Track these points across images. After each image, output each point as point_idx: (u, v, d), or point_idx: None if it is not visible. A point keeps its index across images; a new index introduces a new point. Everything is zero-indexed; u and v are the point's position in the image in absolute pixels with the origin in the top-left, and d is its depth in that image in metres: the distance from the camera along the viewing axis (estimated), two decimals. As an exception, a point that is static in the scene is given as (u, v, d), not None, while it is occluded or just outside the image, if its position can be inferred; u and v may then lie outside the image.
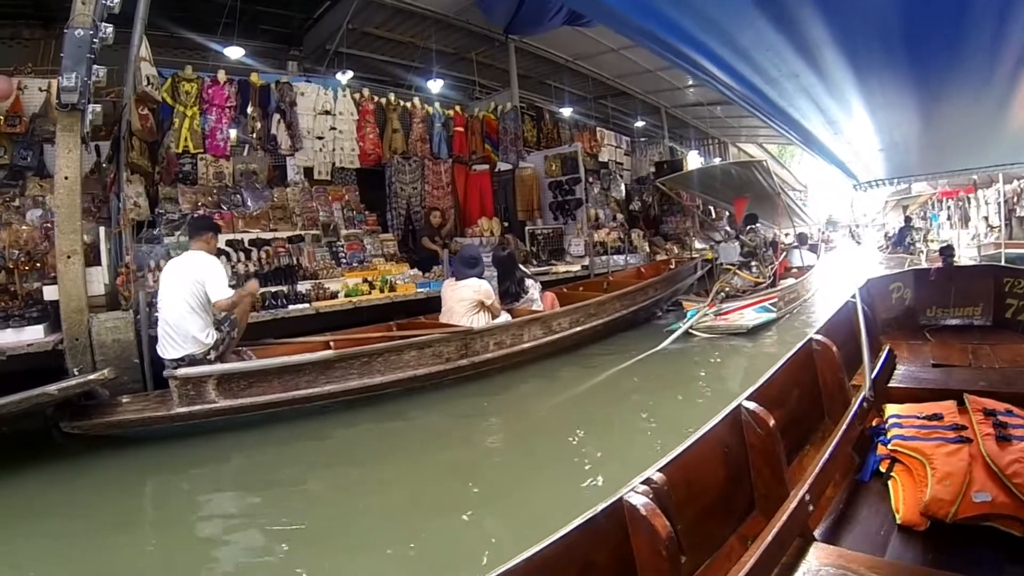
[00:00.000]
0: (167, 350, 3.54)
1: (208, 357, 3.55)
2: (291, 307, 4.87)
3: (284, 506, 2.68)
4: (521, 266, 6.06)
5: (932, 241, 13.06)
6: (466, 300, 4.58)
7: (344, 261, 6.02)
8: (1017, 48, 0.87)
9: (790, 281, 7.91)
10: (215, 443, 3.32)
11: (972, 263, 6.46)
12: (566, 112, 11.23)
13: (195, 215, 5.30)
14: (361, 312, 5.21)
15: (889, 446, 1.87)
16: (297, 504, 2.71)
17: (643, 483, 1.24)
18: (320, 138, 7.18)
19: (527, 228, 8.34)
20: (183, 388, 3.32)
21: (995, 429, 1.75)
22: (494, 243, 7.43)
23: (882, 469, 1.88)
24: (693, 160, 15.47)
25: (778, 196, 8.54)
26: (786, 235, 10.51)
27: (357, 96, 7.63)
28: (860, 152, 1.80)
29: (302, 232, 6.11)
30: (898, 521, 1.67)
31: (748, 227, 7.95)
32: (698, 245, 11.05)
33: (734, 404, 1.64)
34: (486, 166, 8.73)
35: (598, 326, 5.61)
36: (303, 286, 5.21)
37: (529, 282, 5.23)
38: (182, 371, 3.35)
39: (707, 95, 11.98)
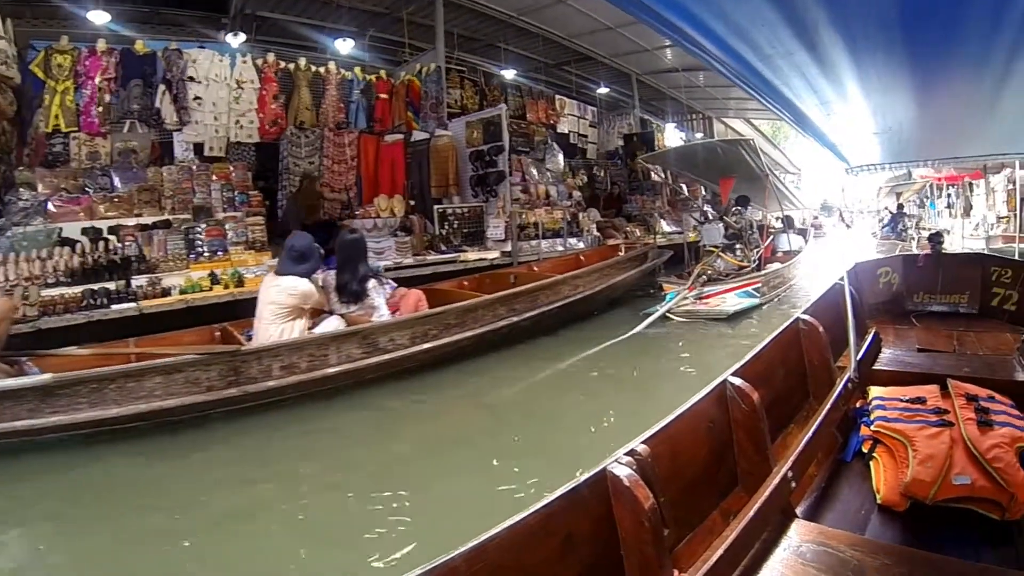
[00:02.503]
0: None
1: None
2: (114, 307, 4.86)
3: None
4: (377, 260, 6.06)
5: (924, 228, 14.45)
6: (275, 303, 4.28)
7: (199, 251, 6.03)
8: (1012, 34, 1.06)
9: (776, 266, 8.66)
10: None
11: (960, 251, 7.32)
12: (508, 74, 11.54)
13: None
14: (197, 312, 5.23)
15: (872, 427, 2.23)
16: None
17: (627, 454, 1.46)
18: (214, 110, 7.33)
19: (436, 207, 8.26)
20: None
21: (977, 414, 2.12)
22: (393, 225, 7.56)
23: (864, 450, 2.25)
24: (671, 135, 16.23)
25: (766, 178, 9.20)
26: (776, 218, 11.37)
27: (260, 62, 7.79)
28: (853, 135, 2.07)
29: (170, 217, 6.17)
30: (879, 501, 2.02)
31: (734, 208, 8.62)
32: (666, 227, 11.71)
33: (720, 379, 1.92)
34: (400, 136, 8.80)
35: (462, 342, 5.11)
36: (139, 281, 5.24)
37: (372, 282, 4.80)
38: None
39: (685, 60, 12.47)
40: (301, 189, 7.60)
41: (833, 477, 2.21)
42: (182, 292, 5.33)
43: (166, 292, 5.27)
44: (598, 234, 10.04)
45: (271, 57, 8.00)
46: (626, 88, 14.42)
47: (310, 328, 4.48)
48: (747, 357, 2.14)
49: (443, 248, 7.70)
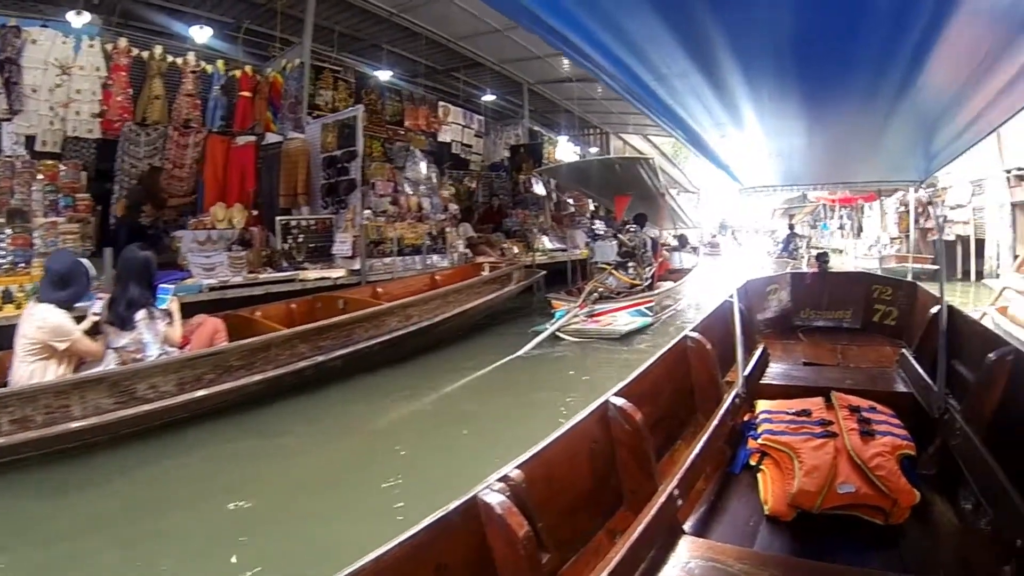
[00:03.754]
0: None
1: None
2: None
3: None
4: (204, 278, 5.92)
5: (815, 248, 16.37)
6: (26, 337, 3.89)
7: (-2, 262, 5.48)
8: (899, 75, 1.22)
9: (668, 284, 9.41)
10: None
11: (845, 270, 8.27)
12: (383, 75, 11.58)
13: None
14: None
15: (759, 440, 2.46)
16: None
17: (499, 480, 1.51)
18: (51, 99, 6.90)
19: (279, 219, 7.92)
20: None
21: (859, 424, 2.40)
22: (230, 238, 7.29)
23: (752, 462, 2.48)
24: (564, 148, 16.93)
25: (662, 197, 9.88)
26: (674, 236, 12.24)
27: (109, 47, 7.37)
28: (747, 157, 2.28)
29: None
30: (766, 512, 2.22)
31: (630, 226, 9.19)
32: (548, 244, 12.22)
33: (601, 400, 2.04)
34: (252, 138, 8.56)
35: (249, 387, 4.68)
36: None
37: (142, 313, 4.28)
38: None
39: (580, 71, 12.83)
40: (141, 183, 7.16)
41: (722, 490, 2.41)
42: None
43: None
44: (467, 251, 10.12)
45: (123, 43, 7.56)
46: (518, 98, 14.88)
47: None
48: (631, 377, 2.29)
49: (284, 265, 7.43)
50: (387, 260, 8.41)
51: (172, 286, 4.84)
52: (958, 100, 1.42)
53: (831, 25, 0.99)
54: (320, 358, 5.20)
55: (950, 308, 3.18)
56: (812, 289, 4.87)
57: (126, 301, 4.26)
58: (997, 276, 10.75)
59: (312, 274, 7.37)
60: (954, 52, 1.09)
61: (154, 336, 4.36)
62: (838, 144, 2.03)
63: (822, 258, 6.03)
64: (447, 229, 9.92)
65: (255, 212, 8.11)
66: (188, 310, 5.11)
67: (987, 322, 4.35)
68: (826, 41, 1.06)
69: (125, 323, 4.24)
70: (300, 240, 7.83)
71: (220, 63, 8.61)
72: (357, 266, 7.74)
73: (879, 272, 11.21)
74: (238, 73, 8.74)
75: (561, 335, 7.24)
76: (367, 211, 8.98)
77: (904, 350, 3.49)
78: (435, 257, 9.30)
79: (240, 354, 4.66)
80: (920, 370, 3.00)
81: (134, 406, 4.03)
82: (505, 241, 11.75)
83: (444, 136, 12.98)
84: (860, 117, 1.62)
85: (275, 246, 7.65)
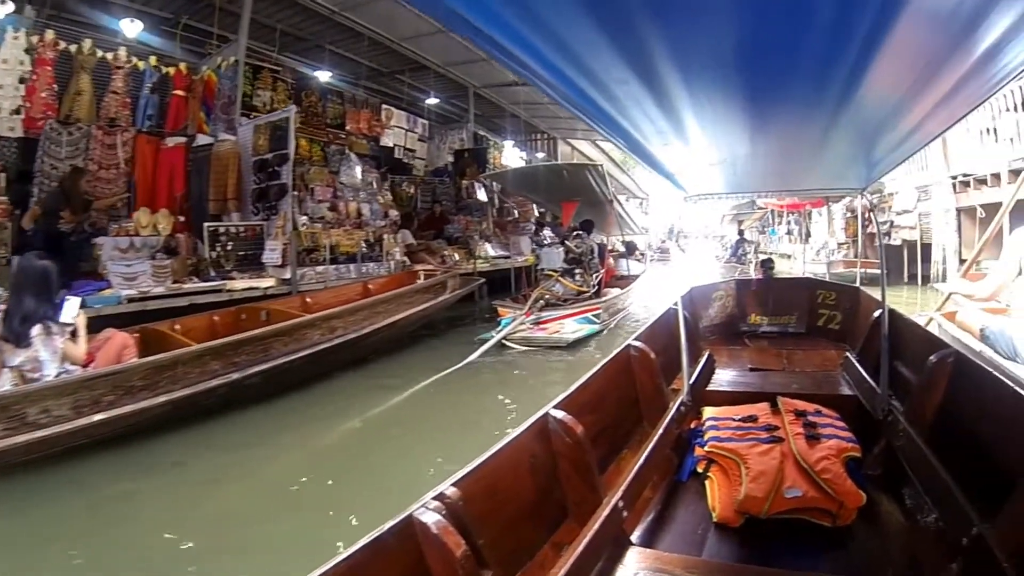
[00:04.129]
0: None
1: None
2: None
3: None
4: (124, 288, 5.70)
5: (763, 253, 17.13)
6: None
7: None
8: (842, 82, 1.24)
9: (615, 291, 9.61)
10: None
11: (790, 276, 8.62)
12: (323, 76, 11.40)
13: None
14: None
15: (706, 448, 2.48)
16: None
17: (435, 498, 1.49)
18: None
19: (206, 225, 7.66)
20: None
21: (805, 429, 2.46)
22: (155, 245, 7.05)
23: (700, 470, 2.51)
24: (510, 154, 17.00)
25: (611, 204, 10.03)
26: (622, 242, 12.49)
27: (35, 39, 7.05)
28: (691, 165, 2.31)
29: None
30: (714, 519, 2.25)
31: (576, 233, 9.32)
32: (491, 251, 12.28)
33: (541, 412, 2.04)
34: (182, 139, 8.26)
35: (154, 409, 4.33)
36: None
37: (38, 328, 4.00)
38: None
39: None
40: (61, 186, 6.73)
41: (669, 499, 2.44)
42: None
43: None
44: (405, 259, 10.02)
45: (49, 35, 7.22)
46: (463, 102, 14.89)
47: None
48: (571, 388, 2.29)
49: (212, 274, 7.20)
50: (320, 269, 8.27)
51: (79, 298, 4.51)
52: (898, 111, 1.46)
53: (773, 36, 1.00)
54: (235, 375, 4.88)
55: (892, 312, 3.31)
56: (757, 295, 5.01)
57: (21, 315, 3.97)
58: (944, 280, 11.04)
59: (240, 284, 7.15)
60: (894, 65, 1.11)
61: (52, 353, 4.05)
62: (782, 153, 2.07)
63: (767, 264, 6.26)
64: (385, 236, 9.81)
65: (182, 218, 7.84)
66: (104, 323, 4.90)
67: (933, 327, 4.45)
68: (768, 52, 1.07)
69: (20, 339, 3.96)
70: (229, 248, 7.59)
71: (153, 59, 8.33)
72: (288, 275, 7.57)
73: (828, 277, 11.67)
74: (172, 71, 8.46)
75: (508, 343, 7.28)
76: (304, 217, 8.80)
77: (848, 353, 3.60)
78: (371, 265, 9.18)
79: (144, 373, 4.31)
80: (864, 373, 3.09)
81: (25, 432, 3.70)
82: (447, 248, 11.70)
83: (387, 140, 12.85)
84: (803, 127, 1.65)
85: (203, 254, 7.40)
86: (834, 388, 3.23)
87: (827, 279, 8.39)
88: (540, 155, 20.55)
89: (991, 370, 2.41)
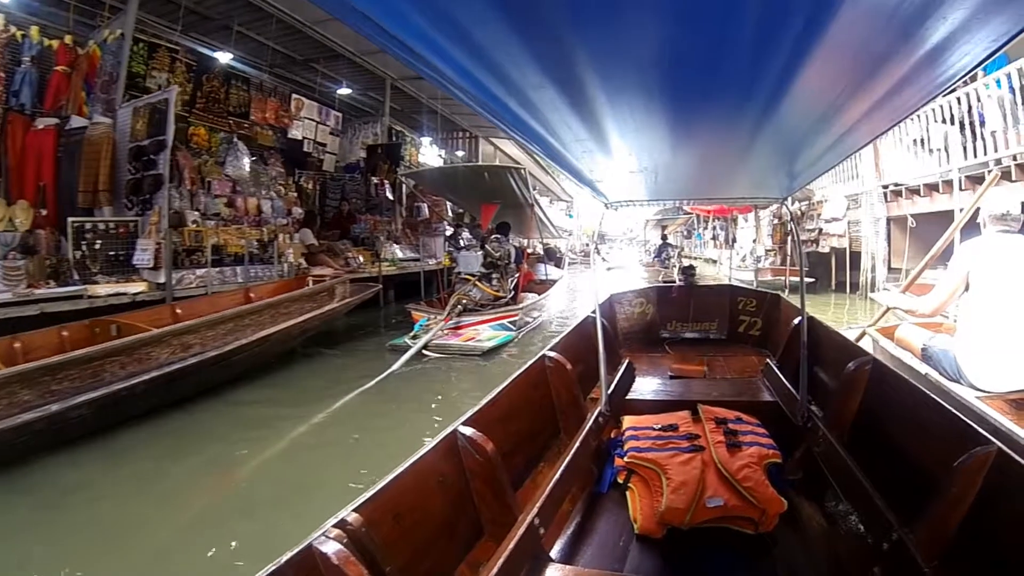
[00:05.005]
0: None
1: None
2: None
3: None
4: None
5: (687, 257, 18.04)
6: None
7: None
8: (765, 96, 1.28)
9: (533, 296, 9.80)
10: None
11: (709, 283, 9.04)
12: (224, 58, 10.69)
13: None
14: None
15: (626, 458, 2.52)
16: None
17: (335, 526, 1.44)
18: None
19: (70, 221, 7.04)
20: None
21: (726, 437, 2.54)
22: (10, 241, 6.47)
23: (620, 480, 2.55)
24: (428, 152, 16.89)
25: (531, 207, 10.16)
26: (545, 245, 12.73)
27: None
28: (611, 173, 2.34)
29: None
30: (636, 531, 2.29)
31: (494, 236, 9.41)
32: (399, 253, 12.26)
33: (449, 429, 2.02)
34: (53, 121, 7.62)
35: None
36: None
37: None
38: None
39: None
40: None
41: (590, 511, 2.49)
42: None
43: None
44: (301, 261, 9.79)
45: None
46: (381, 94, 14.64)
47: None
48: (481, 403, 2.30)
49: (75, 278, 6.64)
50: (200, 272, 7.78)
51: None
52: (820, 125, 1.52)
53: (697, 47, 1.01)
54: (54, 407, 4.13)
55: (811, 319, 3.47)
56: (678, 302, 5.20)
57: None
58: (874, 289, 11.55)
59: (104, 289, 6.58)
60: (817, 80, 1.15)
61: None
62: (704, 162, 2.13)
63: (688, 271, 6.53)
64: (279, 236, 9.45)
65: (44, 211, 7.21)
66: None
67: (866, 343, 4.52)
68: (692, 62, 1.08)
69: None
70: (97, 247, 6.98)
71: (35, 30, 7.67)
72: (163, 279, 7.07)
73: (755, 284, 12.19)
74: (55, 43, 7.79)
75: (422, 351, 7.24)
76: (194, 213, 8.37)
77: (769, 360, 3.76)
78: (259, 268, 8.76)
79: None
80: (784, 380, 3.22)
81: None
82: (351, 250, 11.49)
83: (295, 132, 12.34)
84: (727, 137, 1.70)
85: (65, 254, 6.80)
86: (755, 395, 3.36)
87: (755, 286, 8.81)
88: (460, 154, 20.53)
89: (907, 377, 2.57)
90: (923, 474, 2.05)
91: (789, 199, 3.06)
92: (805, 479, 2.67)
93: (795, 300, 3.96)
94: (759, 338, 4.89)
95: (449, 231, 14.69)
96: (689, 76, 1.15)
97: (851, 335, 4.47)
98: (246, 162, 10.13)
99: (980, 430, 1.89)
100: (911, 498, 1.97)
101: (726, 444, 2.48)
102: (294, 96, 12.25)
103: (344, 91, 13.77)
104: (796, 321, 3.74)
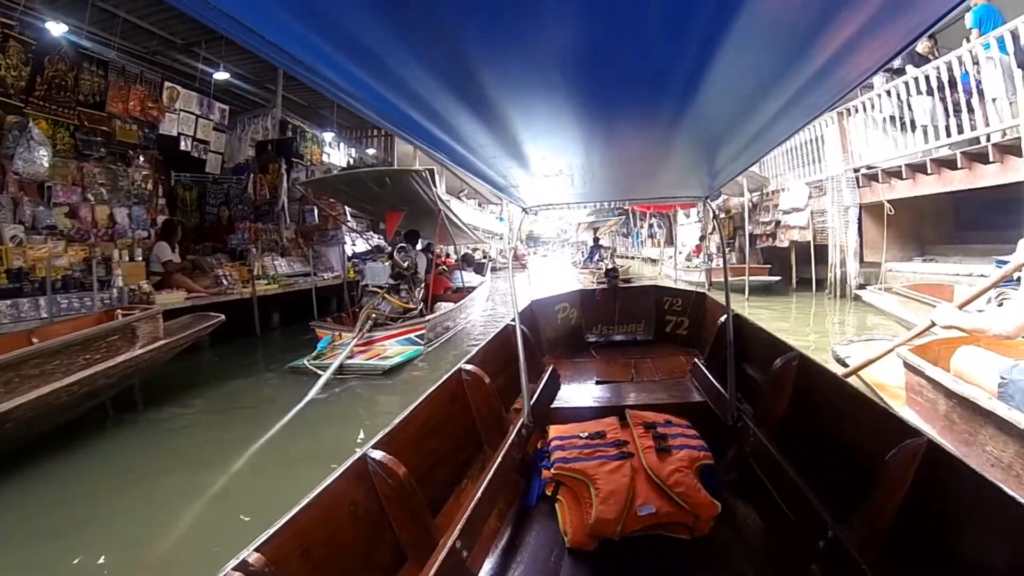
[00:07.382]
0: None
1: None
2: None
3: None
4: None
5: (620, 257, 18.77)
6: None
7: None
8: (679, 92, 1.33)
9: (447, 306, 10.04)
10: None
11: (634, 284, 9.39)
12: (57, 30, 9.31)
13: None
14: None
15: (552, 470, 2.62)
16: None
17: (236, 568, 1.41)
18: None
19: None
20: None
21: (655, 441, 2.68)
22: None
23: (548, 492, 2.65)
24: (333, 151, 16.70)
25: (439, 212, 10.25)
26: (472, 250, 12.87)
27: None
28: (524, 178, 2.42)
29: None
30: (567, 544, 2.40)
31: (400, 245, 9.63)
32: (284, 268, 12.18)
33: (358, 454, 2.06)
34: None
35: None
36: None
37: None
38: None
39: None
40: None
41: (519, 526, 2.59)
42: None
43: None
44: (141, 284, 8.87)
45: None
46: (273, 83, 14.36)
47: None
48: (393, 423, 2.34)
49: None
50: (7, 302, 7.09)
51: None
52: (735, 123, 1.64)
53: (602, 44, 1.05)
54: None
55: (737, 316, 3.72)
56: (603, 305, 5.48)
57: None
58: (885, 288, 9.15)
59: None
60: (728, 78, 1.23)
61: None
62: (623, 162, 2.25)
63: (611, 273, 6.76)
64: (114, 253, 8.75)
65: None
66: None
67: (891, 366, 3.93)
68: (599, 60, 1.12)
69: None
70: None
71: None
72: None
73: (707, 287, 12.52)
74: None
75: (317, 371, 7.14)
76: (18, 227, 7.63)
77: (697, 360, 4.01)
78: (72, 297, 7.73)
79: None
80: (712, 379, 3.43)
81: None
82: (225, 265, 10.90)
83: (169, 127, 11.47)
84: (642, 137, 1.80)
85: None
86: (684, 396, 3.57)
87: (707, 289, 9.09)
88: (371, 152, 20.34)
89: (834, 372, 2.78)
90: (856, 469, 2.20)
91: (709, 199, 3.24)
92: (739, 479, 2.83)
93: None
94: (686, 337, 5.18)
95: (348, 239, 14.57)
96: (596, 75, 1.20)
97: (845, 362, 4.52)
98: (43, 153, 8.50)
99: (910, 422, 2.07)
100: (845, 493, 2.13)
101: (655, 449, 2.60)
102: (167, 84, 11.30)
103: (222, 75, 12.98)
104: (723, 319, 3.95)
